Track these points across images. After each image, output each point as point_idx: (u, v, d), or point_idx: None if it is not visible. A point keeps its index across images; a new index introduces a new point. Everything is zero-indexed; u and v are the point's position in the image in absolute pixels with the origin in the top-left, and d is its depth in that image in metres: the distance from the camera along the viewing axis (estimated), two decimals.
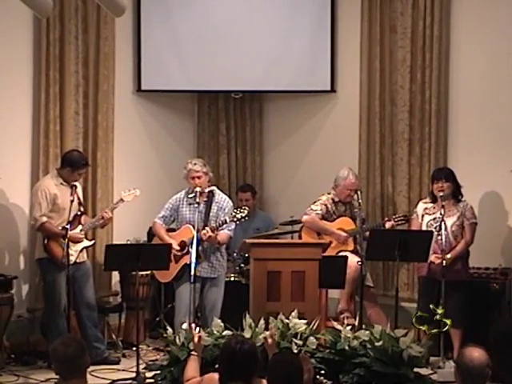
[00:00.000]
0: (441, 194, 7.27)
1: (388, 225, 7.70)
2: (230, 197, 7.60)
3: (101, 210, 7.77)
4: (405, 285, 8.15)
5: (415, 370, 6.22)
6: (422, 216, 7.42)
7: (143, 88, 8.74)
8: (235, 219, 7.08)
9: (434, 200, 7.39)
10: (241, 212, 7.07)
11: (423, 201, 7.55)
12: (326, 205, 7.76)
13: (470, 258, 7.40)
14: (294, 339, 6.10)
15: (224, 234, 7.17)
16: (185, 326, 6.44)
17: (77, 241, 7.33)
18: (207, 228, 7.04)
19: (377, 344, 6.18)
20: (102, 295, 8.12)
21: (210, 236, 7.02)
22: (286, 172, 9.16)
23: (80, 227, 7.40)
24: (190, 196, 7.18)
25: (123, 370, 7.25)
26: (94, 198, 8.22)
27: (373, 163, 8.50)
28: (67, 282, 7.07)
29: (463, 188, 7.38)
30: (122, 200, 7.55)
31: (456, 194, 7.36)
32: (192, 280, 6.76)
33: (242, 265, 7.98)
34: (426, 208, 7.43)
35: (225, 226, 7.12)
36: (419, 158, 8.25)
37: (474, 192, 7.60)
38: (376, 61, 8.44)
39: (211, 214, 7.20)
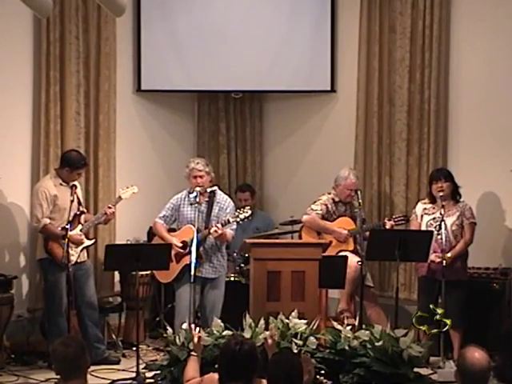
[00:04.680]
0: (441, 193, 7.27)
1: (388, 225, 7.70)
2: (229, 197, 7.59)
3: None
4: (402, 285, 8.12)
5: (415, 370, 6.22)
6: (421, 216, 7.42)
7: (143, 88, 8.74)
8: (238, 219, 7.08)
9: (432, 201, 7.39)
10: (244, 212, 7.07)
11: (422, 201, 7.56)
12: (326, 205, 7.76)
13: (469, 257, 7.41)
14: (293, 339, 6.10)
15: (229, 233, 7.17)
16: (185, 326, 6.45)
17: (78, 243, 7.33)
18: (218, 225, 7.02)
19: (377, 344, 6.18)
20: (104, 295, 8.14)
21: (221, 233, 7.02)
22: (286, 172, 9.16)
23: (80, 227, 7.40)
24: (192, 196, 7.17)
25: (123, 370, 7.25)
26: (95, 198, 8.23)
27: (370, 163, 8.50)
28: (67, 281, 7.08)
29: (463, 188, 7.38)
30: (120, 198, 7.56)
31: (455, 195, 7.36)
32: (192, 280, 6.77)
33: (242, 265, 7.98)
34: (425, 208, 7.43)
35: (227, 225, 7.11)
36: (417, 158, 8.25)
37: (473, 192, 7.60)
38: (374, 60, 8.44)
39: (212, 214, 7.20)
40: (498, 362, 4.34)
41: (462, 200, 7.37)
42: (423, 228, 7.37)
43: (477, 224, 7.34)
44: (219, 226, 7.00)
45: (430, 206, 7.40)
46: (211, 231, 7.01)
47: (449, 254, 7.14)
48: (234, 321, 6.30)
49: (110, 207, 7.48)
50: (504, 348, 4.44)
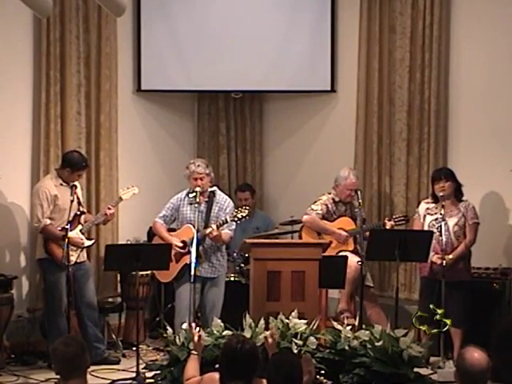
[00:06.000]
0: (441, 193, 7.26)
1: (388, 225, 7.70)
2: (229, 197, 7.59)
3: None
4: (402, 285, 8.11)
5: (415, 370, 6.22)
6: (424, 216, 7.41)
7: (143, 88, 8.74)
8: (236, 219, 7.08)
9: (435, 201, 7.38)
10: (241, 212, 7.07)
11: (425, 201, 7.54)
12: (326, 205, 7.76)
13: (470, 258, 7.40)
14: (293, 339, 6.10)
15: (226, 233, 7.17)
16: (185, 325, 6.45)
17: (78, 245, 7.32)
18: (213, 226, 7.03)
19: (377, 344, 6.18)
20: (107, 295, 8.14)
21: (216, 235, 7.02)
22: (286, 172, 9.16)
23: (80, 227, 7.40)
24: (191, 196, 7.18)
25: (123, 370, 7.25)
26: (97, 198, 8.23)
27: (370, 163, 8.50)
28: (67, 281, 7.08)
29: (463, 188, 7.37)
30: (120, 199, 7.56)
31: (457, 194, 7.35)
32: (192, 280, 6.77)
33: (242, 265, 7.98)
34: (428, 208, 7.41)
35: (225, 225, 7.11)
36: (418, 158, 8.25)
37: (474, 192, 7.59)
38: (374, 60, 8.44)
39: (212, 214, 7.20)
40: (493, 362, 4.32)
41: (465, 199, 7.36)
42: (426, 228, 7.35)
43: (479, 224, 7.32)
44: (214, 227, 7.01)
45: (433, 205, 7.39)
46: (207, 232, 7.01)
47: (450, 256, 7.13)
48: (234, 321, 6.29)
49: (109, 208, 7.48)
50: (500, 348, 4.43)
